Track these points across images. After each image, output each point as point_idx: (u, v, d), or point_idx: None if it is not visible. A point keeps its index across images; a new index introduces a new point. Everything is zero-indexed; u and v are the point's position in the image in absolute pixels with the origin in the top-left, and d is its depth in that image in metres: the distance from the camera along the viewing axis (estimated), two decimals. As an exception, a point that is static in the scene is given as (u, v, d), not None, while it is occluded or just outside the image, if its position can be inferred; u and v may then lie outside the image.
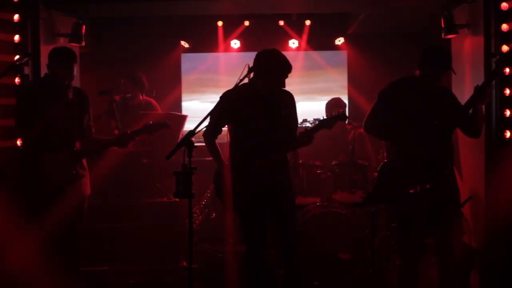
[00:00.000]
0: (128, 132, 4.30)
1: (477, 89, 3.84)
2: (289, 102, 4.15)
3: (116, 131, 5.10)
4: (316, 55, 7.44)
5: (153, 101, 6.06)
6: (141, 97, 5.97)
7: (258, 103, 4.04)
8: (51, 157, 3.98)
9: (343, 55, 7.45)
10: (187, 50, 7.44)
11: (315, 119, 4.42)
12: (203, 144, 4.18)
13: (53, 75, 4.10)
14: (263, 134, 4.01)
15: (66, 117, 4.08)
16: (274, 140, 4.01)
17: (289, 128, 4.08)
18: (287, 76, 4.00)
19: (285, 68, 3.96)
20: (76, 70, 4.12)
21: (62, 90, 4.09)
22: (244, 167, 4.01)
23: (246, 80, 3.92)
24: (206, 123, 3.62)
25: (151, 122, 4.35)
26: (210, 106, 3.64)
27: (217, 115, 4.05)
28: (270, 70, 3.93)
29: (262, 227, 4.11)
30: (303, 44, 7.28)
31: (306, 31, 7.22)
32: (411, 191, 3.78)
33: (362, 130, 5.64)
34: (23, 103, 4.13)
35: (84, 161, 4.23)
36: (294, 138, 4.05)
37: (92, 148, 4.26)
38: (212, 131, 4.12)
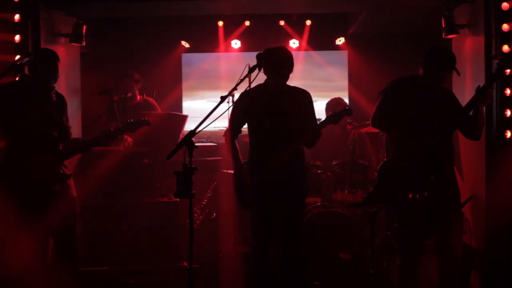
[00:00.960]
0: (111, 130, 4.29)
1: (479, 90, 3.83)
2: (304, 101, 4.18)
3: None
4: (316, 55, 7.44)
5: (152, 101, 6.05)
6: (139, 97, 5.97)
7: (271, 102, 4.13)
8: (36, 159, 3.96)
9: (344, 55, 7.45)
10: (187, 50, 7.44)
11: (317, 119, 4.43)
12: (204, 144, 4.18)
13: (38, 76, 4.07)
14: (275, 133, 4.07)
15: (48, 119, 4.07)
16: (286, 140, 4.04)
17: (303, 128, 4.08)
18: (285, 71, 4.08)
19: (288, 63, 4.06)
20: (60, 70, 4.10)
21: (46, 92, 4.08)
22: (258, 166, 4.08)
23: (246, 80, 3.93)
24: (207, 123, 3.61)
25: (131, 120, 4.33)
26: (210, 106, 3.63)
27: (234, 115, 4.20)
28: (276, 65, 4.02)
29: (268, 226, 4.14)
30: (304, 44, 7.28)
31: (306, 31, 7.22)
32: (410, 195, 3.78)
33: (362, 130, 5.68)
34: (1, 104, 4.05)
35: (68, 164, 4.18)
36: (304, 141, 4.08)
37: (72, 148, 4.21)
38: (231, 131, 4.25)
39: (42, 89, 4.08)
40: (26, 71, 4.75)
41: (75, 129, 4.33)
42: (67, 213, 4.06)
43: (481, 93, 3.82)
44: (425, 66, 3.97)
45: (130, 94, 5.85)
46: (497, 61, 4.47)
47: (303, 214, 4.30)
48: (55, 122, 4.11)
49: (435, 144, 3.85)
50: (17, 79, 4.61)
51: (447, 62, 3.95)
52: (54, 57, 4.08)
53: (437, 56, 3.95)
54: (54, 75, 4.07)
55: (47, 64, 4.05)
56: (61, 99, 4.23)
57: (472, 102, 3.87)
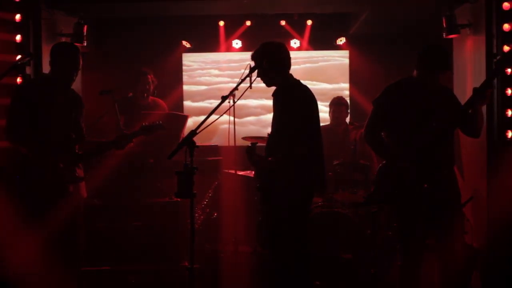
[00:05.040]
0: (127, 133, 4.27)
1: (476, 91, 3.80)
2: (285, 99, 4.01)
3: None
4: (317, 55, 7.44)
5: (160, 101, 6.05)
6: (151, 97, 5.98)
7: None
8: (53, 160, 3.94)
9: (345, 55, 7.44)
10: (188, 50, 7.43)
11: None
12: (205, 144, 4.17)
13: (58, 72, 4.01)
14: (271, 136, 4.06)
15: (65, 118, 4.04)
16: (271, 142, 3.98)
17: (282, 130, 3.93)
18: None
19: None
20: (81, 64, 4.08)
21: (65, 90, 4.05)
22: None
23: (247, 80, 3.92)
24: (208, 123, 3.61)
25: (147, 124, 4.32)
26: (211, 107, 3.64)
27: None
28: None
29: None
30: (305, 44, 7.27)
31: (307, 31, 7.22)
32: (410, 192, 3.77)
33: (363, 130, 5.66)
34: (20, 103, 3.98)
35: (80, 164, 4.18)
36: (291, 142, 3.90)
37: (88, 150, 4.19)
38: None
39: (62, 86, 4.02)
40: (27, 71, 4.77)
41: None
42: (74, 213, 4.06)
43: (478, 94, 3.79)
44: (418, 66, 3.95)
45: (131, 94, 5.84)
46: (496, 60, 4.48)
47: (292, 217, 4.01)
48: (73, 122, 4.09)
49: (434, 144, 3.85)
50: (19, 80, 4.62)
51: (439, 62, 3.92)
52: (76, 48, 4.05)
53: (429, 56, 3.92)
54: (76, 66, 4.00)
55: (69, 54, 3.98)
56: (78, 98, 4.19)
57: (470, 102, 3.84)
